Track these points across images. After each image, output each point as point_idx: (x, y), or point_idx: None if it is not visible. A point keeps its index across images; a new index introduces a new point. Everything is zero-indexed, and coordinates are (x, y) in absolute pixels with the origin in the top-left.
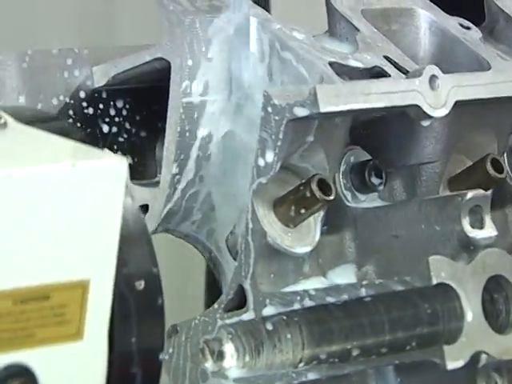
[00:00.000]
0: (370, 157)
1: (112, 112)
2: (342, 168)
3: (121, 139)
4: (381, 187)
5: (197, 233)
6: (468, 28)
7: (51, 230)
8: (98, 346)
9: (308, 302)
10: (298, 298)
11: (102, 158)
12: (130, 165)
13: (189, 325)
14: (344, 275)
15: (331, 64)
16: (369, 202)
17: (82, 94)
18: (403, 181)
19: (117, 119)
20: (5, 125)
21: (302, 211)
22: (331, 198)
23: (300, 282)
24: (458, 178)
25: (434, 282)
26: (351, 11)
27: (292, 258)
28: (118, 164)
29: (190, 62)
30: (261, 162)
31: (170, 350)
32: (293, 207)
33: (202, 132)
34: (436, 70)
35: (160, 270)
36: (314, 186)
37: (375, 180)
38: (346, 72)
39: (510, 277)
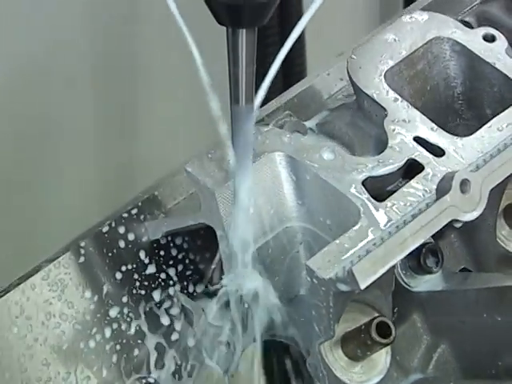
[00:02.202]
0: None
1: (174, 252)
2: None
3: (188, 272)
4: (438, 267)
5: None
6: (493, 39)
7: None
8: None
9: None
10: None
11: None
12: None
13: None
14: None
15: (364, 182)
16: (432, 282)
17: (142, 254)
18: (461, 240)
19: (180, 256)
20: None
21: (368, 353)
22: (392, 339)
23: None
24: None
25: None
26: (374, 82)
27: None
28: None
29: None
30: (320, 326)
31: None
32: (358, 350)
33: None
34: (465, 173)
35: None
36: (374, 334)
37: (431, 261)
38: (380, 181)
39: None
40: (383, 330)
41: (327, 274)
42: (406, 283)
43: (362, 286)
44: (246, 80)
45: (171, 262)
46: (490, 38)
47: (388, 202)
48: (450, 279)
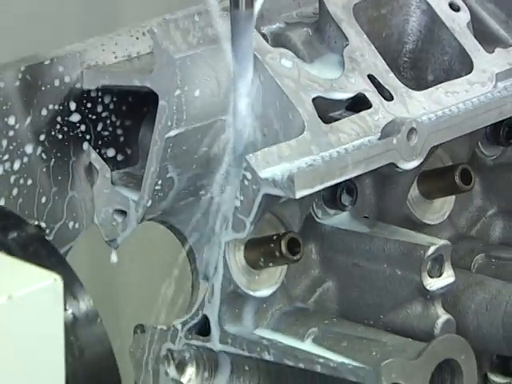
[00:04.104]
0: None
1: (99, 109)
2: None
3: (105, 133)
4: (349, 207)
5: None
6: (458, 9)
7: None
8: None
9: (266, 356)
10: (258, 349)
11: (38, 282)
12: (112, 157)
13: (154, 330)
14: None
15: (315, 99)
16: (338, 219)
17: (71, 100)
18: (375, 189)
19: (103, 114)
20: None
21: (270, 264)
22: (299, 257)
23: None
24: (427, 177)
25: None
26: (343, 11)
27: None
28: (53, 285)
29: (175, 106)
30: (236, 219)
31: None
32: (262, 259)
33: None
34: (415, 123)
35: None
36: (284, 249)
37: (346, 199)
38: (326, 104)
39: (459, 358)
40: (293, 246)
41: (264, 173)
42: (314, 213)
43: (298, 196)
44: None
45: (94, 117)
46: (455, 7)
47: (333, 126)
48: (357, 221)
